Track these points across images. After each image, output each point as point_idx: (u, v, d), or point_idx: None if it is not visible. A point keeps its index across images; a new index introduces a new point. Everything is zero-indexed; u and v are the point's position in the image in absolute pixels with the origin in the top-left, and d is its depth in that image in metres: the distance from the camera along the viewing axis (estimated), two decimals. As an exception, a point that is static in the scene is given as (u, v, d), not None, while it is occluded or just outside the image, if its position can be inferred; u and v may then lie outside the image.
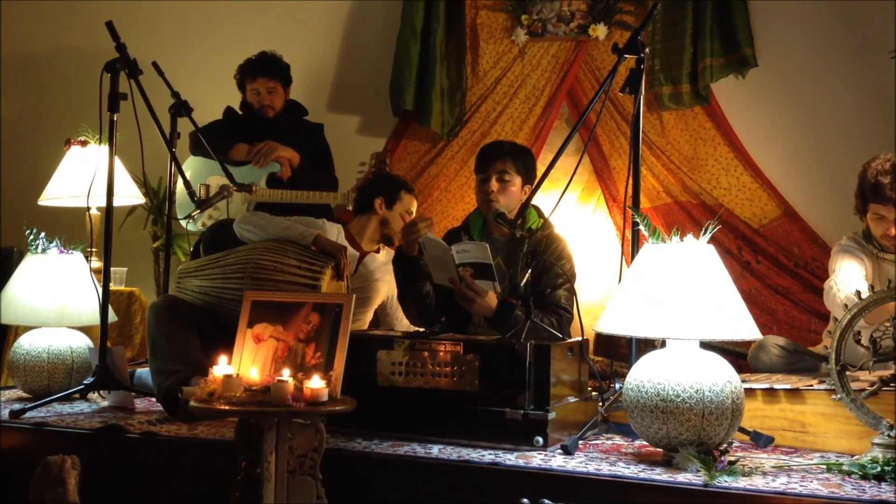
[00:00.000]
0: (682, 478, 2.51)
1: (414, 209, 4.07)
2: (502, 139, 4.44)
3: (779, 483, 2.48)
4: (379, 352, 3.02)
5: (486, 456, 2.74)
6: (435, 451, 2.80)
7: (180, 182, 3.99)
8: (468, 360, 2.92)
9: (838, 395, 2.74)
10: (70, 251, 3.83)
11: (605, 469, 2.61)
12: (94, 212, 4.42)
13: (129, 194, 4.64)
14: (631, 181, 3.21)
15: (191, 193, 3.76)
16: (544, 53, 5.07)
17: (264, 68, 4.70)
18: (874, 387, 2.75)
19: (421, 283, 3.62)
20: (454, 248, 3.38)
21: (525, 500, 2.51)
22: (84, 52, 5.08)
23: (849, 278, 3.50)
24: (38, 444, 3.01)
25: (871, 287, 2.79)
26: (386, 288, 4.01)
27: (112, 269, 3.59)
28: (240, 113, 4.82)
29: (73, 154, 4.56)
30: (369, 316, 4.06)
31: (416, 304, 3.69)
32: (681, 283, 2.66)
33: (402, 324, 4.01)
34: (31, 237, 3.82)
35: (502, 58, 5.14)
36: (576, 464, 2.67)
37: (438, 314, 3.69)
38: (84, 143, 4.56)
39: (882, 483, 2.51)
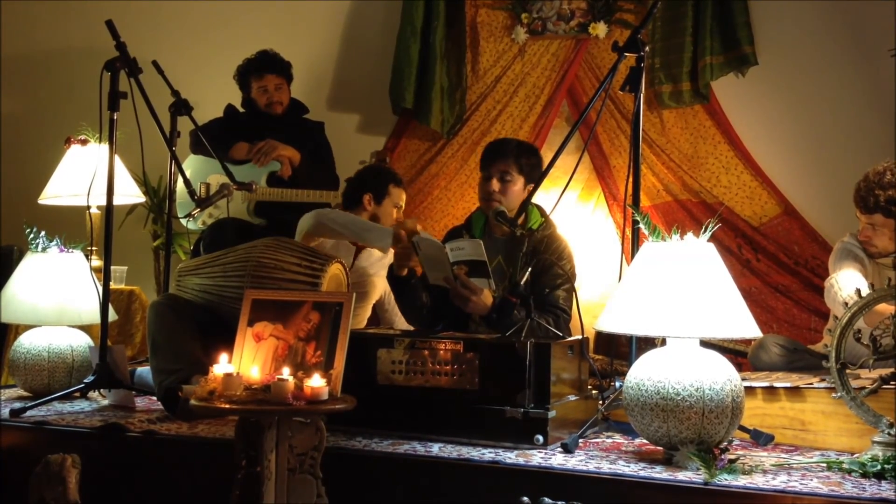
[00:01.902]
0: (683, 476, 2.51)
1: (403, 202, 4.06)
2: (504, 137, 4.42)
3: (779, 481, 2.48)
4: (379, 350, 3.02)
5: (487, 454, 2.74)
6: (435, 449, 2.80)
7: (180, 181, 3.99)
8: (468, 358, 2.92)
9: (838, 394, 2.74)
10: (70, 250, 3.83)
11: (606, 467, 2.62)
12: (94, 210, 4.42)
13: (129, 193, 4.64)
14: (631, 179, 3.21)
15: (191, 192, 3.76)
16: (544, 52, 5.07)
17: (272, 65, 4.73)
18: (874, 385, 2.75)
19: (414, 296, 3.66)
20: (448, 247, 3.39)
21: (525, 499, 2.51)
22: (84, 51, 5.08)
23: (849, 277, 3.51)
24: (39, 442, 3.01)
25: (872, 286, 2.79)
26: (382, 283, 4.01)
27: (112, 267, 3.60)
28: (241, 111, 4.82)
29: (74, 153, 4.56)
30: (367, 312, 4.06)
31: (413, 314, 3.74)
32: (681, 281, 2.66)
33: (401, 320, 4.01)
34: (32, 236, 3.82)
35: (502, 56, 5.14)
36: (576, 462, 2.67)
37: (435, 320, 3.71)
38: (84, 142, 4.55)
39: (882, 481, 2.51)
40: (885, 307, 2.87)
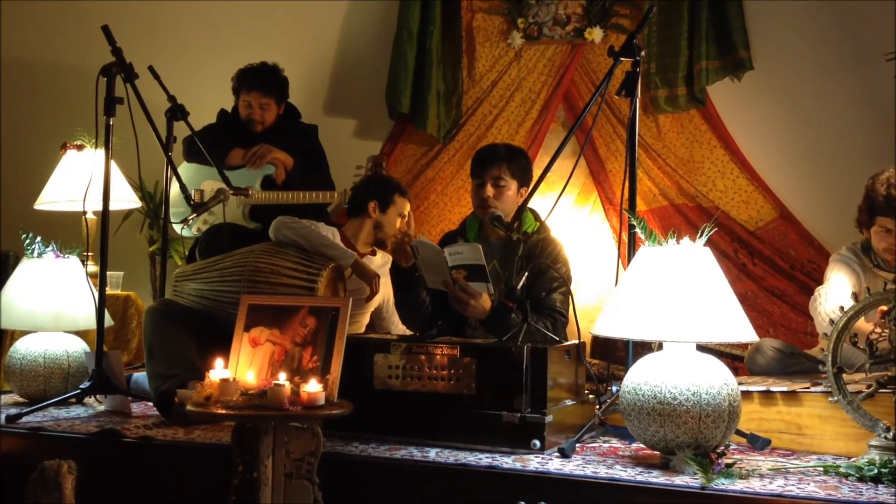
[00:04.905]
0: (680, 480, 2.51)
1: (407, 212, 4.07)
2: (492, 143, 4.41)
3: (776, 485, 2.48)
4: (376, 355, 3.02)
5: (484, 459, 2.74)
6: (432, 454, 2.80)
7: (176, 187, 3.99)
8: (465, 363, 2.91)
9: (835, 398, 2.74)
10: (66, 255, 3.83)
11: (603, 472, 2.61)
12: (90, 216, 4.40)
13: (125, 198, 4.63)
14: (627, 184, 3.21)
15: (187, 197, 3.76)
16: (540, 57, 5.07)
17: (261, 82, 4.58)
18: (871, 389, 2.75)
19: (417, 292, 3.64)
20: (447, 251, 3.39)
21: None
22: (80, 57, 5.08)
23: (836, 292, 3.49)
24: (35, 448, 3.01)
25: (869, 291, 2.79)
26: (382, 290, 4.01)
27: (108, 273, 3.59)
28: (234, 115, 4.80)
29: (70, 158, 4.55)
30: (366, 319, 4.06)
31: (413, 312, 3.72)
32: (677, 285, 2.66)
33: (398, 328, 4.01)
34: (28, 241, 3.81)
35: (498, 61, 5.14)
36: (573, 467, 2.67)
37: (433, 321, 3.71)
38: (80, 147, 4.54)
39: (879, 485, 2.51)
40: (862, 324, 2.87)
